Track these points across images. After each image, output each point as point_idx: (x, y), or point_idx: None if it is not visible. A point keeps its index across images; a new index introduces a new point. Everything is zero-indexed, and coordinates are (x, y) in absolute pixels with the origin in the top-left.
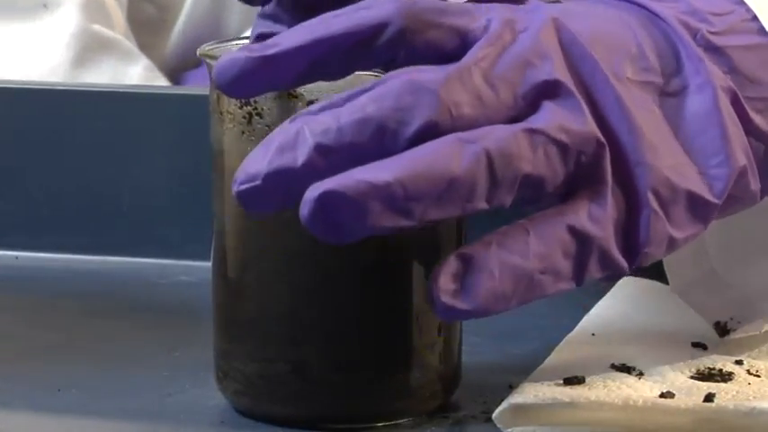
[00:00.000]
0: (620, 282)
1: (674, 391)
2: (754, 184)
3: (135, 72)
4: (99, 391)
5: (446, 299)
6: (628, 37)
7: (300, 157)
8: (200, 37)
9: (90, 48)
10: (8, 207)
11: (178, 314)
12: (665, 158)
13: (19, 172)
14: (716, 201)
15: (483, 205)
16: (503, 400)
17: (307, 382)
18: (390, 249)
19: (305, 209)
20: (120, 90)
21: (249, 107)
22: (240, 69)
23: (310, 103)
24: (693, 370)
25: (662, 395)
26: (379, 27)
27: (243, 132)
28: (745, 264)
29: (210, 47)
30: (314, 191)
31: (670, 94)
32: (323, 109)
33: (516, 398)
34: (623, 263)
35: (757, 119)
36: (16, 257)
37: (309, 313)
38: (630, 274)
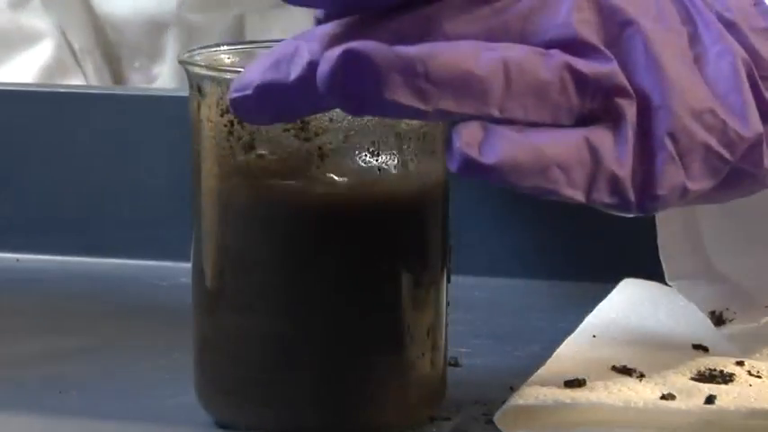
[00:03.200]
0: (621, 283)
1: (674, 393)
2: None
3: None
4: (100, 392)
5: (467, 149)
6: (649, 1)
7: (294, 72)
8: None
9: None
10: (9, 209)
11: (178, 316)
12: (692, 103)
13: (19, 173)
14: (731, 158)
15: (495, 112)
16: (504, 403)
17: (296, 393)
18: (375, 259)
19: (325, 66)
20: (120, 91)
21: (230, 115)
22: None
23: None
24: (694, 371)
25: (663, 397)
26: None
27: (223, 141)
28: (742, 256)
29: (190, 54)
30: (336, 50)
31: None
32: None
33: (517, 400)
34: (632, 195)
35: None
36: (17, 260)
37: (295, 325)
38: (631, 276)
